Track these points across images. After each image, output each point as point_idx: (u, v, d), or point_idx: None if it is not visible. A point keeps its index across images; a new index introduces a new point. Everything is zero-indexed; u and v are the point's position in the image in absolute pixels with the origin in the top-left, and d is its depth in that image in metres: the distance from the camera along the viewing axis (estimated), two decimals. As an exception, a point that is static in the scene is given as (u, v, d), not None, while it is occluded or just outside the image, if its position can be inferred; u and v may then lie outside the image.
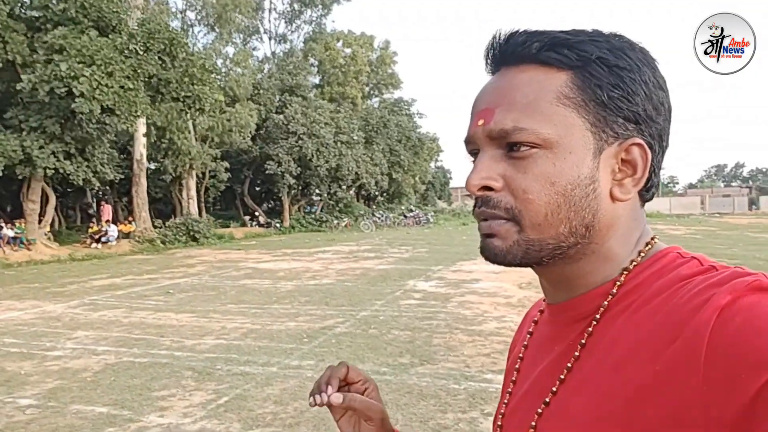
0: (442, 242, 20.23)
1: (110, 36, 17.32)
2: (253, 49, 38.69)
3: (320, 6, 39.70)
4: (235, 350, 6.01)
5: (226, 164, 27.37)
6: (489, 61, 0.63)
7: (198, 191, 27.16)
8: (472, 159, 0.62)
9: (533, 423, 0.60)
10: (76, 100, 15.60)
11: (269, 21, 40.70)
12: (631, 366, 0.51)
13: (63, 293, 10.37)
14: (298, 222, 30.93)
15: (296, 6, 39.61)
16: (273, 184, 30.24)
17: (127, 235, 20.86)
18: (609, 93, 0.56)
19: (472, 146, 0.62)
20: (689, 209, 47.02)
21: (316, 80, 40.10)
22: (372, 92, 46.63)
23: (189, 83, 18.54)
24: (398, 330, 6.72)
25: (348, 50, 41.10)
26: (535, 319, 0.73)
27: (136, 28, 18.08)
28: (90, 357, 5.86)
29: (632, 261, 0.59)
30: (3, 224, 17.36)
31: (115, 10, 17.71)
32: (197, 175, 26.55)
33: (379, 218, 33.50)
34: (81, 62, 15.82)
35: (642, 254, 0.59)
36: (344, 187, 33.36)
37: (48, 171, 17.12)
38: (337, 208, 34.21)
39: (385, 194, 41.37)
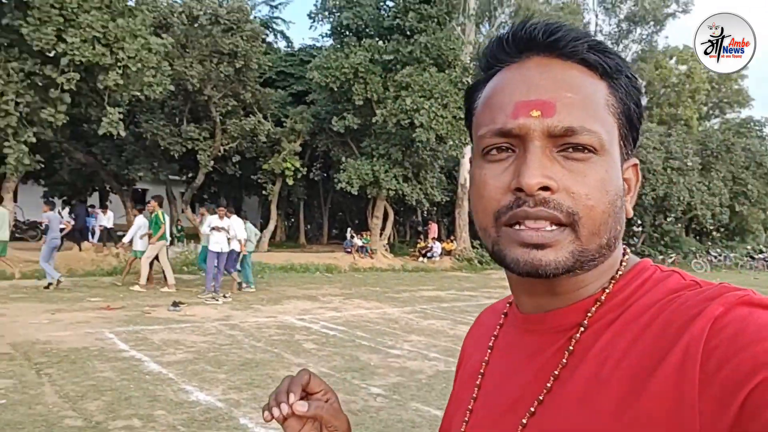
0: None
1: (446, 71, 19.17)
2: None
3: (652, 23, 36.82)
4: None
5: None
6: (515, 44, 0.58)
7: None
8: (499, 153, 0.56)
9: None
10: (416, 130, 17.65)
11: (594, 44, 39.40)
12: (626, 381, 0.49)
13: (398, 299, 11.71)
14: (616, 253, 28.88)
15: (624, 26, 37.58)
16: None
17: (448, 253, 22.59)
18: (635, 110, 0.58)
19: (508, 140, 0.55)
20: None
21: (644, 102, 37.16)
22: (711, 112, 41.06)
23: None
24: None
25: (683, 67, 37.09)
26: (495, 333, 0.70)
27: (468, 62, 19.60)
28: (423, 361, 6.41)
29: (617, 270, 0.59)
30: (354, 234, 20.68)
31: (452, 47, 19.56)
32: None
33: (715, 257, 28.95)
34: (422, 96, 17.87)
35: (623, 264, 0.60)
36: (672, 218, 29.88)
37: (390, 192, 19.75)
38: (662, 242, 30.71)
39: (723, 230, 35.56)
